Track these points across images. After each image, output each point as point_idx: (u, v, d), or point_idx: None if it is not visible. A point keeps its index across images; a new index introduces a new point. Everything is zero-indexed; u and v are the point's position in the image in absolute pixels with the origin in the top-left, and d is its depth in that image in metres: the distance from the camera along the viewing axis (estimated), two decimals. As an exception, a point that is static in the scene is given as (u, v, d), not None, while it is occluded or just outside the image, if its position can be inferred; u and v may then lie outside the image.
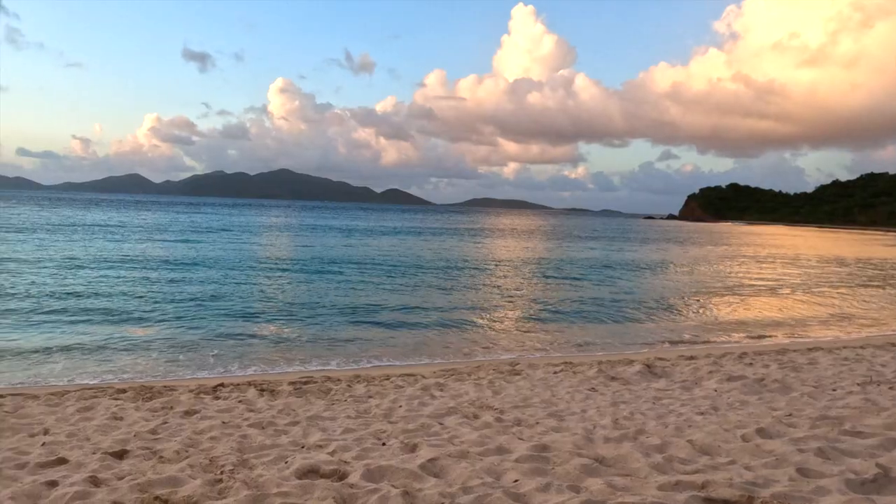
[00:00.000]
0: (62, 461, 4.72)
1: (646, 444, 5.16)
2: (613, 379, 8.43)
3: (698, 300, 20.57)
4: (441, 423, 6.00)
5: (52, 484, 4.18)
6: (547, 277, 26.35)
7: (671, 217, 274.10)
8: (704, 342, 13.56)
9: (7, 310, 13.76)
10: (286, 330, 13.31)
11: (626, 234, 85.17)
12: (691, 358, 10.15)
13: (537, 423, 6.03)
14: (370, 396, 7.38)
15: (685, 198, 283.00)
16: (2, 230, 38.45)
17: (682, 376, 8.60)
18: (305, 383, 8.03)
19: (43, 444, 5.23)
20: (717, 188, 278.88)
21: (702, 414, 6.35)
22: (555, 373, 8.95)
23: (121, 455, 4.92)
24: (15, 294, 15.73)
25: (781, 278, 29.26)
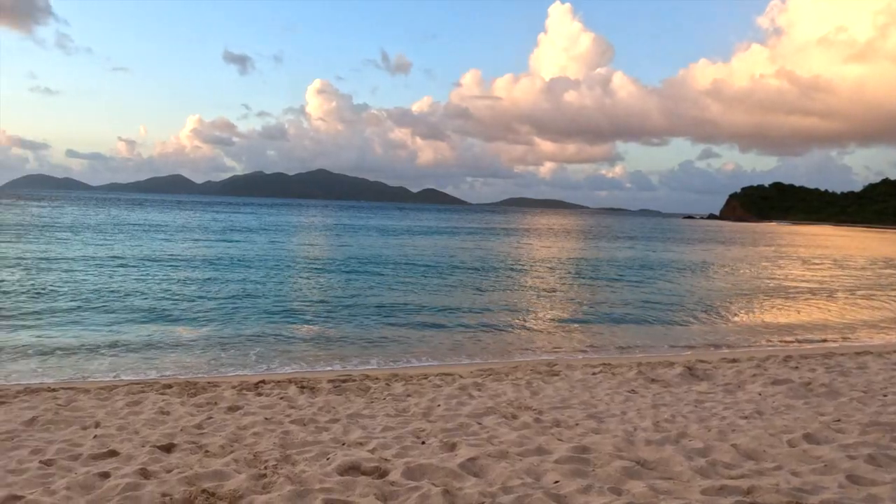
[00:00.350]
0: (113, 453, 4.88)
1: (688, 447, 5.09)
2: (653, 381, 8.32)
3: (740, 302, 20.14)
4: (479, 423, 6.01)
5: (105, 475, 4.32)
6: (584, 278, 26.13)
7: (712, 217, 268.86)
8: (747, 345, 13.28)
9: (55, 307, 14.25)
10: (324, 329, 13.48)
11: (665, 233, 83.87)
12: (734, 361, 9.95)
13: (577, 424, 5.99)
14: (408, 395, 7.42)
15: (726, 197, 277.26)
16: (52, 229, 39.82)
17: (724, 379, 8.44)
18: (344, 381, 8.12)
19: (95, 436, 5.41)
20: (760, 187, 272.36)
21: (746, 418, 6.22)
22: (593, 374, 8.88)
23: (168, 448, 5.06)
24: (62, 292, 16.27)
25: (828, 280, 28.46)
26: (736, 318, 16.97)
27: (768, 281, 27.47)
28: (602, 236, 68.95)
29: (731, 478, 4.37)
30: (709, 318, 16.87)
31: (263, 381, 8.05)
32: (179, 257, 26.74)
